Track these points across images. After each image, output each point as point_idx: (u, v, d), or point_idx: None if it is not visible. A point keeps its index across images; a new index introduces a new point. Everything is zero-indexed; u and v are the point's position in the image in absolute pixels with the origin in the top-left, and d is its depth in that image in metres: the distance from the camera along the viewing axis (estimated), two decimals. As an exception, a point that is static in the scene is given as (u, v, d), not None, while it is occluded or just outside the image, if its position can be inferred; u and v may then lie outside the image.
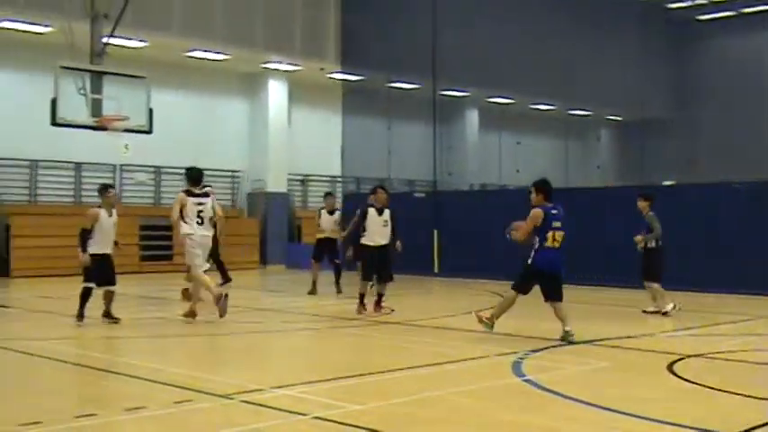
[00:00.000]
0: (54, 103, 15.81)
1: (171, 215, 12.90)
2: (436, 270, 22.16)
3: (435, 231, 22.54)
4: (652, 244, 13.97)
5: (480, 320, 11.07)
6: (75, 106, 16.16)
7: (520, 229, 10.91)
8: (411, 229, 23.10)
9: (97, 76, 16.69)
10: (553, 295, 10.84)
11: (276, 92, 28.10)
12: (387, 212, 13.86)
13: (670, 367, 8.90)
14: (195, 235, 12.57)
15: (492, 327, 11.03)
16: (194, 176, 12.97)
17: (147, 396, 7.24)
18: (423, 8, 25.52)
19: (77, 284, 12.51)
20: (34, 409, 6.74)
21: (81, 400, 7.17)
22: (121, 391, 7.69)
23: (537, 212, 10.73)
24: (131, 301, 15.71)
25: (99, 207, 12.34)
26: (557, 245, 10.70)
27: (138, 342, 11.37)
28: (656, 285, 13.96)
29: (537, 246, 10.71)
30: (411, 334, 11.54)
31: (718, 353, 10.04)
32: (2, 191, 23.25)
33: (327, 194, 18.12)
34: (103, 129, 16.58)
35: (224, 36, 24.73)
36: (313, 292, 17.14)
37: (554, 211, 10.76)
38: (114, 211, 12.52)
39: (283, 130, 28.37)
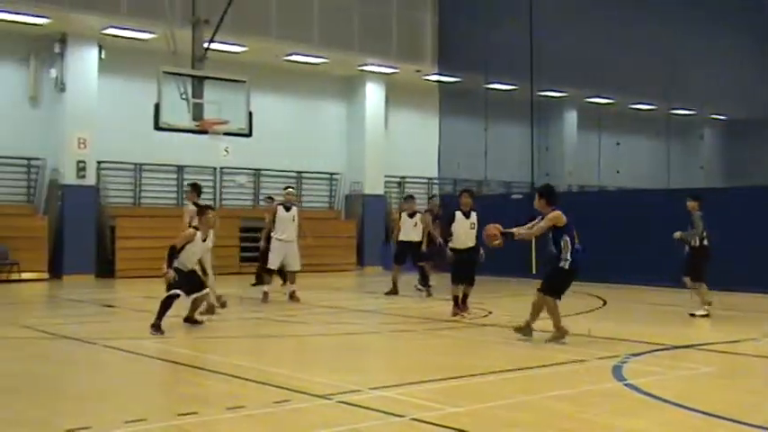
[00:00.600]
0: (157, 107, 16.19)
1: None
2: (534, 272, 21.89)
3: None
4: (696, 242, 13.91)
5: (558, 338, 10.71)
6: (178, 111, 16.52)
7: (536, 230, 10.82)
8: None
9: (198, 81, 17.05)
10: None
11: (373, 94, 28.25)
12: (473, 216, 13.82)
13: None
14: None
15: (531, 333, 10.85)
16: None
17: (246, 395, 7.34)
18: (520, 8, 25.27)
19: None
20: (139, 407, 6.91)
21: (183, 398, 7.31)
22: (221, 389, 7.81)
23: (558, 214, 10.63)
24: (230, 302, 15.97)
25: (196, 228, 11.97)
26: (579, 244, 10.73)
27: (238, 342, 11.55)
28: (699, 284, 13.91)
29: (570, 248, 10.56)
30: (508, 336, 11.42)
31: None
32: (108, 194, 23.98)
33: (408, 197, 18.25)
34: (204, 132, 16.91)
35: (321, 39, 24.98)
36: (393, 292, 17.21)
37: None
38: (211, 235, 12.12)
39: (380, 133, 28.50)
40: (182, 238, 11.83)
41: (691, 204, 14.16)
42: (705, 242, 13.97)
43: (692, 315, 13.77)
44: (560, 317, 10.71)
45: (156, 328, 11.33)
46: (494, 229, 10.95)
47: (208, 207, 12.60)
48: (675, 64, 29.76)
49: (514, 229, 10.97)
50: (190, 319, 12.23)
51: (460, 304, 13.66)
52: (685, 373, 8.72)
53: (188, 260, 11.84)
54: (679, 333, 11.65)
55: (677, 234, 14.08)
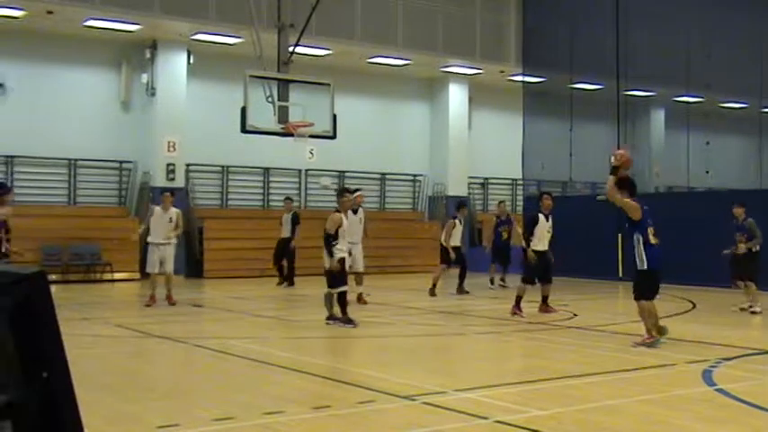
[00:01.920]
0: (244, 111, 16.45)
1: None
2: (621, 274, 21.56)
3: (620, 235, 21.93)
4: (757, 248, 14.66)
5: (648, 344, 10.44)
6: (264, 114, 16.75)
7: (617, 198, 10.45)
8: (593, 231, 22.67)
9: (284, 84, 17.26)
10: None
11: (456, 95, 28.21)
12: (551, 219, 14.26)
13: None
14: None
15: (660, 338, 10.50)
16: None
17: (331, 395, 7.42)
18: (605, 6, 24.91)
19: (266, 285, 12.95)
20: (226, 405, 7.04)
21: (269, 397, 7.41)
22: (307, 389, 7.91)
23: (633, 205, 10.37)
24: (316, 302, 16.11)
25: (338, 211, 12.81)
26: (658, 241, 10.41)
27: (322, 342, 11.66)
28: (752, 284, 14.61)
29: (641, 246, 10.30)
30: (594, 339, 11.27)
31: None
32: (197, 195, 24.47)
33: (461, 205, 18.65)
34: (290, 135, 17.10)
35: (405, 41, 25.05)
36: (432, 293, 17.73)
37: (646, 207, 10.54)
38: (361, 210, 13.73)
39: (464, 134, 28.43)
40: (332, 222, 12.61)
41: (738, 211, 14.74)
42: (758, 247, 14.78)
43: (753, 312, 14.37)
44: (654, 321, 10.46)
45: (350, 321, 12.22)
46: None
47: (345, 189, 13.88)
48: (765, 59, 28.94)
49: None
50: (334, 317, 12.61)
51: (543, 305, 13.79)
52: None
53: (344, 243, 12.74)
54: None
55: (742, 245, 14.67)
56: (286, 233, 19.91)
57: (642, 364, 9.16)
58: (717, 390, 7.78)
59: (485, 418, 6.55)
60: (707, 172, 30.17)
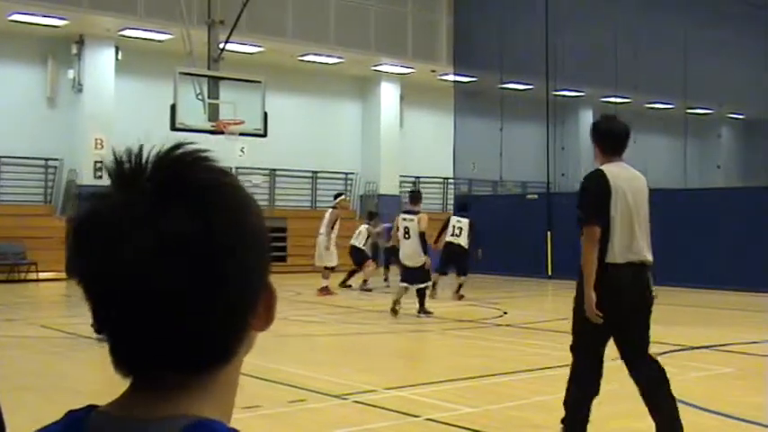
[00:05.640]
0: (173, 108, 16.25)
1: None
2: (550, 273, 21.86)
3: (549, 233, 22.23)
4: None
5: None
6: (194, 111, 16.58)
7: None
8: (523, 230, 22.93)
9: (214, 82, 17.10)
10: None
11: (388, 94, 28.26)
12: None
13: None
14: None
15: None
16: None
17: (262, 395, 7.34)
18: (535, 7, 25.21)
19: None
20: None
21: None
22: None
23: None
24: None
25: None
26: None
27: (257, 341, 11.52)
28: None
29: None
30: (524, 336, 11.39)
31: None
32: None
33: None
34: (220, 132, 16.95)
35: (337, 40, 25.00)
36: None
37: None
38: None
39: (395, 132, 28.50)
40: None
41: None
42: None
43: None
44: None
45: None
46: None
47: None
48: (693, 62, 29.62)
49: None
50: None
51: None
52: (702, 375, 8.66)
53: None
54: (698, 333, 11.58)
55: None
56: None
57: (569, 361, 9.24)
58: (643, 385, 7.91)
59: (416, 416, 6.56)
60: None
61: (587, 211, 5.52)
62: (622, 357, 5.73)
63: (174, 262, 0.90)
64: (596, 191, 5.51)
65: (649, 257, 5.65)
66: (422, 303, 13.60)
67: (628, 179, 5.63)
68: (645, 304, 5.67)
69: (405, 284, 13.69)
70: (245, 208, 0.98)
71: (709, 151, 37.04)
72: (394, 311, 13.58)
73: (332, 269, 17.79)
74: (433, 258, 15.08)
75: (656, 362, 5.72)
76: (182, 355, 0.94)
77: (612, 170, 5.57)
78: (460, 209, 18.36)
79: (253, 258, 0.97)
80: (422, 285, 13.62)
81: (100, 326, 0.95)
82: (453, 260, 16.66)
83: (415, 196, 14.65)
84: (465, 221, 16.71)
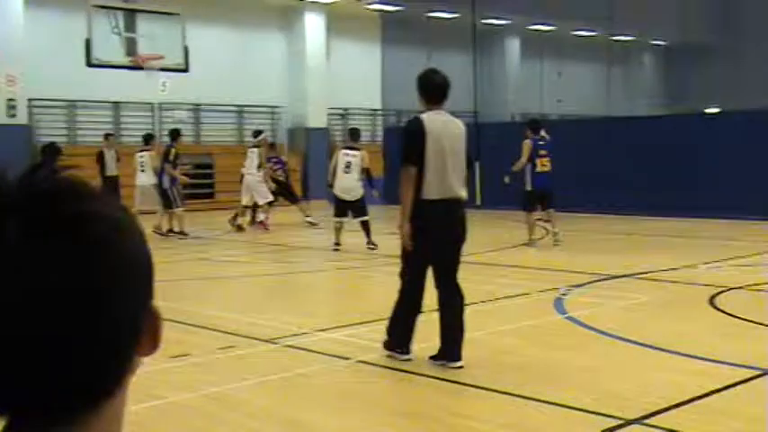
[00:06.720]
0: (88, 43, 15.77)
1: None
2: (478, 203, 22.00)
3: (477, 163, 22.31)
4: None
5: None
6: (111, 46, 16.12)
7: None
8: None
9: (131, 15, 16.63)
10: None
11: (313, 25, 27.79)
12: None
13: (711, 301, 8.79)
14: None
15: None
16: None
17: (191, 342, 7.27)
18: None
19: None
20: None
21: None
22: (165, 337, 7.73)
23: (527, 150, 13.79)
24: (172, 241, 15.81)
25: None
26: (546, 169, 13.74)
27: (181, 285, 11.34)
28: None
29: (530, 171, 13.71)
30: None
31: (763, 284, 9.86)
32: (42, 132, 23.35)
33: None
34: (139, 68, 16.55)
35: (259, -30, 24.41)
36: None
37: (541, 142, 13.88)
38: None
39: (322, 64, 28.12)
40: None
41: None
42: None
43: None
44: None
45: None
46: None
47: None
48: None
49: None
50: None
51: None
52: (622, 304, 8.85)
53: None
54: (618, 262, 11.83)
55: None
56: (111, 171, 17.60)
57: (498, 294, 9.39)
58: (566, 318, 8.07)
59: (347, 358, 6.60)
60: (558, 101, 31.02)
61: (405, 153, 6.28)
62: (434, 276, 6.43)
63: (45, 311, 0.83)
64: (413, 135, 6.30)
65: (462, 194, 6.38)
66: (368, 234, 13.78)
67: (444, 123, 6.43)
68: (456, 234, 6.38)
69: (342, 219, 13.82)
70: (121, 237, 0.88)
71: (633, 79, 37.52)
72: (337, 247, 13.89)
73: (271, 204, 17.64)
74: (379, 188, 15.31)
75: (459, 289, 6.45)
76: (59, 400, 0.86)
77: (430, 116, 6.39)
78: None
79: (133, 290, 0.90)
80: (365, 218, 13.80)
81: None
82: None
83: (355, 133, 14.81)
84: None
